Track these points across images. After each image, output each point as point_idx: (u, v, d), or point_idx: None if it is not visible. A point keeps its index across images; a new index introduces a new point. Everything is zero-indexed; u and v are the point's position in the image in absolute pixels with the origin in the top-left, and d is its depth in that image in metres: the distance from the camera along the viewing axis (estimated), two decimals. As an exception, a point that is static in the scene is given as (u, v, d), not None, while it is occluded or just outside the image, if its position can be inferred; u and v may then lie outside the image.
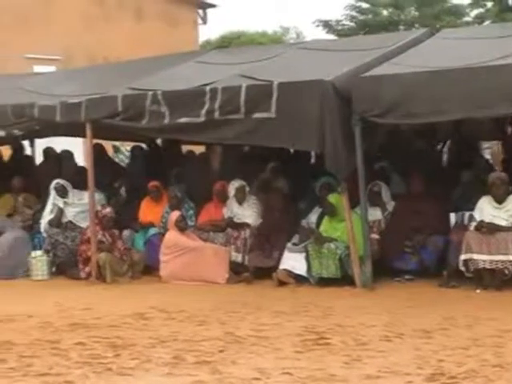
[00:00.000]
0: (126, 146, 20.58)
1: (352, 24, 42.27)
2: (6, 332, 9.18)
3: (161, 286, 12.64)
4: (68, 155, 16.88)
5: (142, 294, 11.86)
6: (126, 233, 13.87)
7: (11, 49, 25.26)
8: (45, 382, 7.06)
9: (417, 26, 38.89)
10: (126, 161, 19.20)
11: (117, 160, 19.33)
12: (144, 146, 17.18)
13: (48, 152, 17.63)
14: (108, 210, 13.56)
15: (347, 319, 9.43)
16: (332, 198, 12.08)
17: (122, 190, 15.27)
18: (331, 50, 14.12)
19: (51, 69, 23.52)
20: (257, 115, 12.06)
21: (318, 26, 42.46)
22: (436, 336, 8.41)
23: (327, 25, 42.18)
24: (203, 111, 12.40)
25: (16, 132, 14.59)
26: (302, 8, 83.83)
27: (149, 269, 13.42)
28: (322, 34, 41.93)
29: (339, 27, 42.17)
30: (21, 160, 17.72)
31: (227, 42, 42.96)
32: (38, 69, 23.94)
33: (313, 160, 15.20)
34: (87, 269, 13.14)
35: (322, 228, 12.37)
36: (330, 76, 11.66)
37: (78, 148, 18.61)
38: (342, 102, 11.55)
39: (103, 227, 13.33)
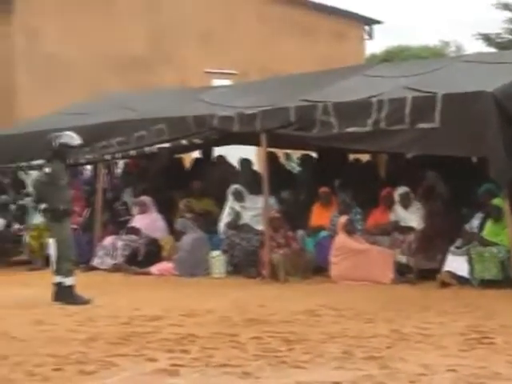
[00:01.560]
0: (297, 155, 20.72)
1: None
2: (190, 325, 9.35)
3: (330, 285, 12.65)
4: (246, 163, 17.16)
5: (313, 293, 11.89)
6: (298, 235, 13.94)
7: (193, 64, 25.80)
8: (225, 372, 7.15)
9: None
10: (297, 168, 19.32)
11: (288, 167, 19.43)
12: (313, 154, 17.30)
13: (220, 159, 17.99)
14: (278, 213, 13.76)
15: (510, 320, 9.26)
16: (496, 202, 11.93)
17: (292, 195, 15.36)
18: (492, 62, 13.93)
19: (228, 82, 23.88)
20: (421, 125, 12.02)
21: (477, 39, 41.93)
22: None
23: (487, 38, 41.48)
24: (370, 121, 12.42)
25: (196, 141, 14.86)
26: (461, 22, 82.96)
27: (319, 269, 13.45)
28: (481, 47, 41.37)
29: (499, 40, 41.36)
30: (200, 167, 18.07)
31: (391, 56, 42.73)
32: (216, 82, 24.40)
33: (471, 166, 15.03)
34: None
35: (484, 232, 12.23)
36: (491, 87, 11.53)
37: (250, 156, 18.83)
38: (504, 111, 11.42)
39: (276, 229, 13.47)
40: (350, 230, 13.10)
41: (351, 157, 17.19)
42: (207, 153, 18.36)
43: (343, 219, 13.22)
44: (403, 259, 12.86)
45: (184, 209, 15.18)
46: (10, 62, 24.02)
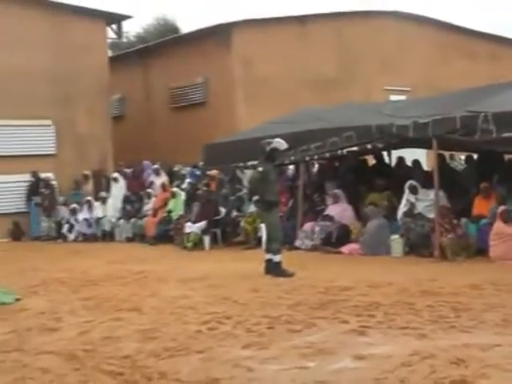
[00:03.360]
0: (460, 156, 20.38)
1: None
2: (374, 295, 9.33)
3: (490, 264, 12.26)
4: (418, 163, 17.10)
5: (476, 270, 11.57)
6: (462, 222, 13.65)
7: (375, 83, 25.73)
8: (404, 333, 7.13)
9: None
10: (459, 166, 18.98)
11: (452, 166, 19.10)
12: (474, 155, 17.04)
13: (400, 160, 17.88)
14: (446, 204, 13.57)
15: None
16: None
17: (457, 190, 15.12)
18: None
19: (403, 97, 23.66)
20: None
21: None
22: None
23: None
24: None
25: (378, 145, 14.81)
26: None
27: (480, 251, 13.11)
28: None
29: None
30: (381, 166, 18.00)
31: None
32: (392, 98, 24.28)
33: None
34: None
35: None
36: None
37: (421, 157, 18.68)
38: None
39: (444, 217, 13.26)
40: (506, 218, 12.71)
41: (506, 157, 16.75)
42: (382, 155, 18.31)
43: (501, 209, 12.83)
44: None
45: (369, 201, 15.19)
46: (231, 85, 24.55)
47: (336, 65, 25.81)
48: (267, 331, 7.46)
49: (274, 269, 11.51)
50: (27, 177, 22.33)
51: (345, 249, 14.50)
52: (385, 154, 18.30)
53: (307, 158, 16.22)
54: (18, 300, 10.28)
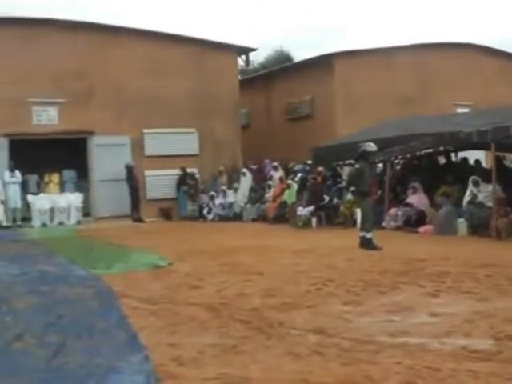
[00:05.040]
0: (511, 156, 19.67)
1: None
2: (444, 265, 9.14)
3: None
4: (479, 162, 16.70)
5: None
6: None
7: (445, 99, 25.00)
8: (469, 297, 7.02)
9: None
10: (511, 165, 18.32)
11: (505, 164, 18.45)
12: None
13: (465, 160, 17.48)
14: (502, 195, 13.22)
15: None
16: None
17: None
18: None
19: (467, 110, 22.98)
20: None
21: None
22: None
23: None
24: None
25: (449, 148, 14.52)
26: None
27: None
28: None
29: None
30: (450, 164, 17.59)
31: None
32: (458, 110, 23.63)
33: None
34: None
35: None
36: None
37: (481, 157, 18.20)
38: None
39: (499, 205, 12.87)
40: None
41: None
42: (451, 156, 17.86)
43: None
44: None
45: (441, 192, 14.90)
46: (332, 101, 24.44)
47: (414, 85, 25.20)
48: (361, 292, 7.47)
49: (366, 243, 11.49)
50: (177, 171, 22.64)
51: (421, 229, 14.25)
52: (452, 154, 17.87)
53: (392, 158, 16.06)
54: (170, 264, 10.39)
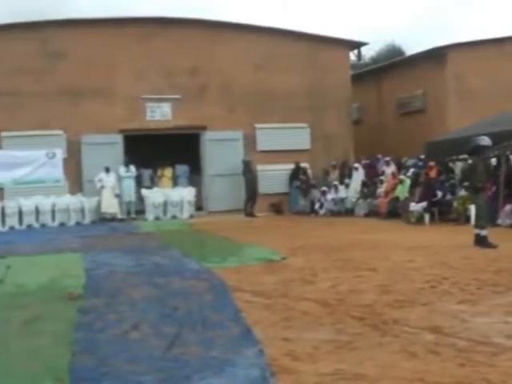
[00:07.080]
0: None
1: None
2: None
3: None
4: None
5: None
6: None
7: None
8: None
9: None
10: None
11: None
12: None
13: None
14: None
15: None
16: None
17: None
18: None
19: None
20: None
21: None
22: None
23: None
24: None
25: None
26: None
27: None
28: None
29: None
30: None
31: None
32: None
33: None
34: None
35: None
36: None
37: None
38: None
39: None
40: None
41: None
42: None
43: None
44: None
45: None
46: (444, 95, 23.77)
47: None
48: (476, 291, 7.29)
49: (481, 241, 11.14)
50: (288, 166, 22.69)
51: None
52: None
53: (508, 152, 15.43)
54: (283, 259, 10.44)
